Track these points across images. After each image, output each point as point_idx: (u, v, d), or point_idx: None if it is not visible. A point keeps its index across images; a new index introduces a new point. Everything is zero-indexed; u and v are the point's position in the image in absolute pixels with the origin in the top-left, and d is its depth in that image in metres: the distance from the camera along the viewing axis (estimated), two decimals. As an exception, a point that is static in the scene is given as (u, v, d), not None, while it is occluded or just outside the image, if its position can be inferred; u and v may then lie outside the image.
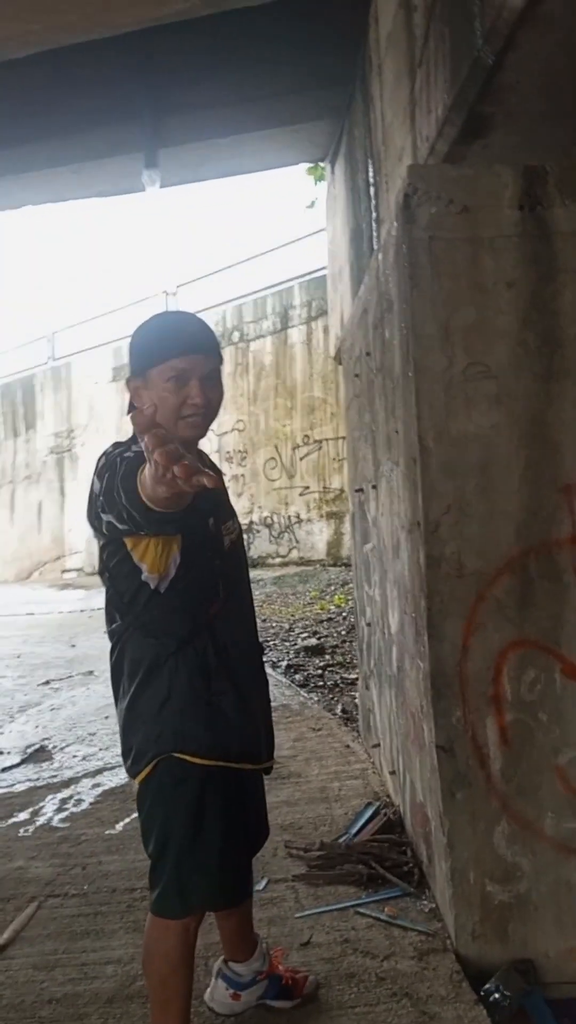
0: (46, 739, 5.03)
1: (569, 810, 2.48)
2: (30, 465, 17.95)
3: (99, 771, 4.36)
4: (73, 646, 8.26)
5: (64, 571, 16.68)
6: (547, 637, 2.50)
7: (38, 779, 4.32)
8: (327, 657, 6.67)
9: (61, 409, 17.14)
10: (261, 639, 2.18)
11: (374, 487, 3.46)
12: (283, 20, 3.78)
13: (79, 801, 3.96)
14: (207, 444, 2.01)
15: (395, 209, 2.63)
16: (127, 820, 3.61)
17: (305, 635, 7.42)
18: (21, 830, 3.65)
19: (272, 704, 2.15)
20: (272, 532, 12.59)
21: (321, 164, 5.46)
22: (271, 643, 7.21)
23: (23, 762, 4.61)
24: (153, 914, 1.95)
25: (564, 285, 2.52)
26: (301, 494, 12.22)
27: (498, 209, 2.49)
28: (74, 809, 3.87)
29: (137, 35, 3.55)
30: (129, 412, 1.97)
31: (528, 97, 2.46)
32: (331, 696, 5.63)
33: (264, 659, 2.16)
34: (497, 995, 2.31)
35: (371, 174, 3.86)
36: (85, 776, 4.31)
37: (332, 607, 8.70)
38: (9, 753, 4.78)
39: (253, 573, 2.17)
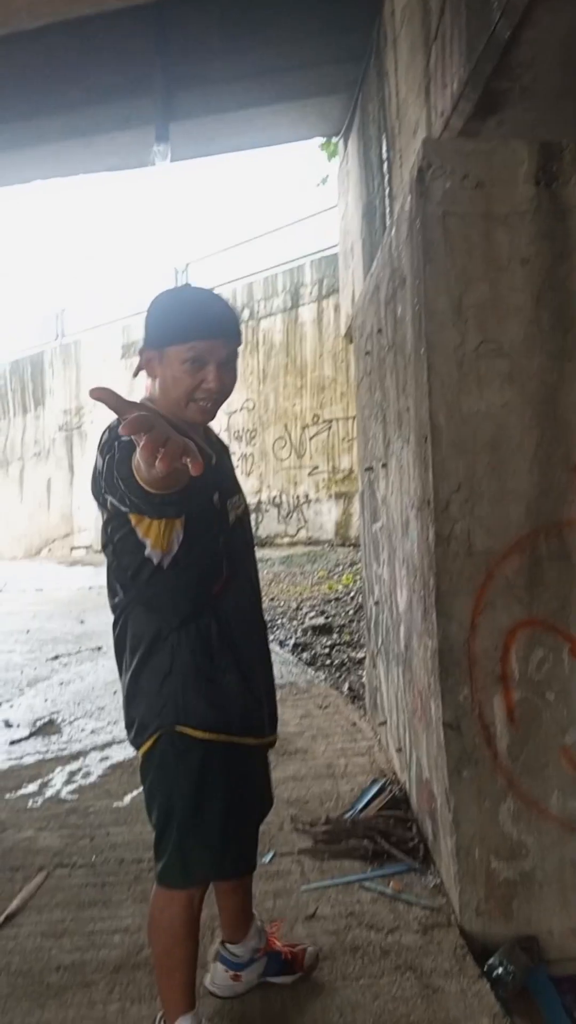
0: (55, 713, 5.07)
1: (575, 789, 2.49)
2: (39, 442, 17.96)
3: (107, 744, 4.40)
4: (82, 622, 8.30)
5: (73, 548, 16.73)
6: (556, 617, 2.50)
7: (47, 752, 4.36)
8: (334, 636, 6.69)
9: (70, 386, 17.12)
10: (268, 618, 2.18)
11: (384, 466, 3.45)
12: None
13: (87, 774, 4.00)
14: (215, 423, 1.99)
15: (409, 184, 2.60)
16: (135, 793, 3.64)
17: (313, 614, 7.43)
18: (30, 801, 3.69)
19: (279, 681, 2.16)
20: (281, 512, 12.59)
21: (334, 139, 5.40)
22: (278, 622, 7.23)
23: (32, 735, 4.65)
24: (158, 884, 1.97)
25: (579, 263, 2.49)
26: (310, 474, 12.20)
27: (513, 185, 2.47)
28: (82, 781, 3.90)
29: (151, 7, 3.51)
30: (135, 375, 1.97)
31: (544, 73, 2.43)
32: (338, 674, 5.64)
33: (270, 637, 2.16)
34: (501, 970, 2.33)
35: (385, 149, 3.82)
36: (93, 749, 4.34)
37: (340, 587, 8.71)
38: (18, 726, 4.82)
39: (261, 553, 2.15)
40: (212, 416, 1.87)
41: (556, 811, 2.49)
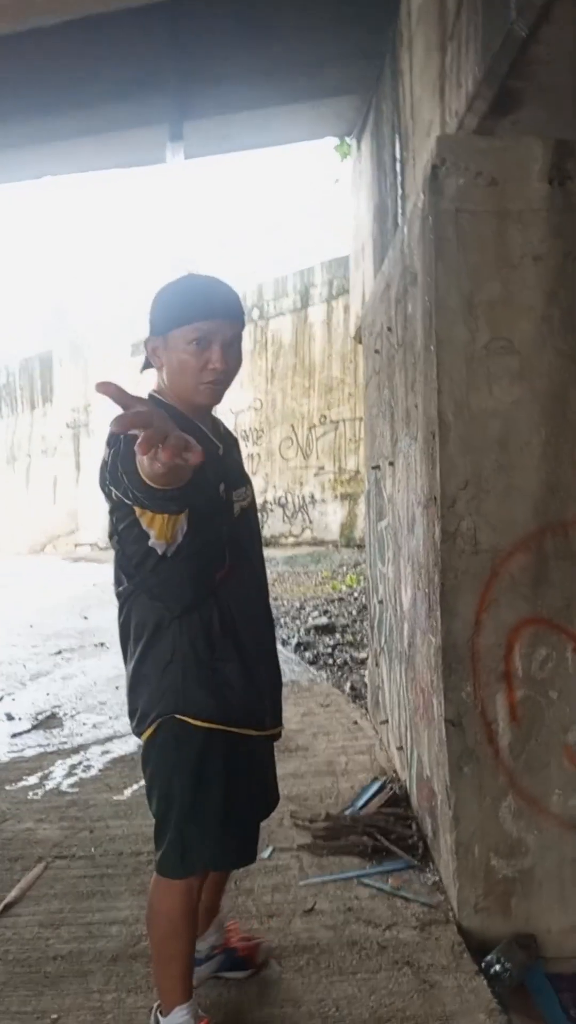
0: (57, 707, 5.08)
1: (576, 788, 2.49)
2: (46, 439, 18.02)
3: (109, 739, 4.41)
4: (85, 618, 8.32)
5: (77, 545, 16.77)
6: (560, 616, 2.50)
7: (48, 745, 4.37)
8: (337, 636, 6.69)
9: (78, 384, 17.17)
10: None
11: (391, 463, 3.45)
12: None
13: (88, 767, 4.00)
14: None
15: (422, 181, 2.61)
16: (135, 787, 3.64)
17: (316, 614, 7.43)
18: (30, 793, 3.70)
19: (281, 679, 2.15)
20: (286, 512, 12.60)
21: (347, 139, 5.41)
22: (282, 621, 7.24)
23: (34, 728, 4.66)
24: (157, 873, 1.97)
25: (592, 262, 2.49)
26: (316, 474, 12.21)
27: (527, 182, 2.47)
28: (83, 775, 3.91)
29: (166, 4, 3.52)
30: (142, 372, 1.98)
31: (561, 72, 2.43)
32: (340, 674, 5.65)
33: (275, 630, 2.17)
34: (498, 967, 2.33)
35: (398, 149, 3.82)
36: (95, 743, 4.35)
37: (343, 587, 8.71)
38: (20, 719, 4.83)
39: (265, 552, 2.16)
40: (220, 397, 1.88)
41: (556, 809, 2.49)
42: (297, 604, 7.98)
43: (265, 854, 2.93)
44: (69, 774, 3.92)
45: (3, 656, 6.69)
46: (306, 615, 7.47)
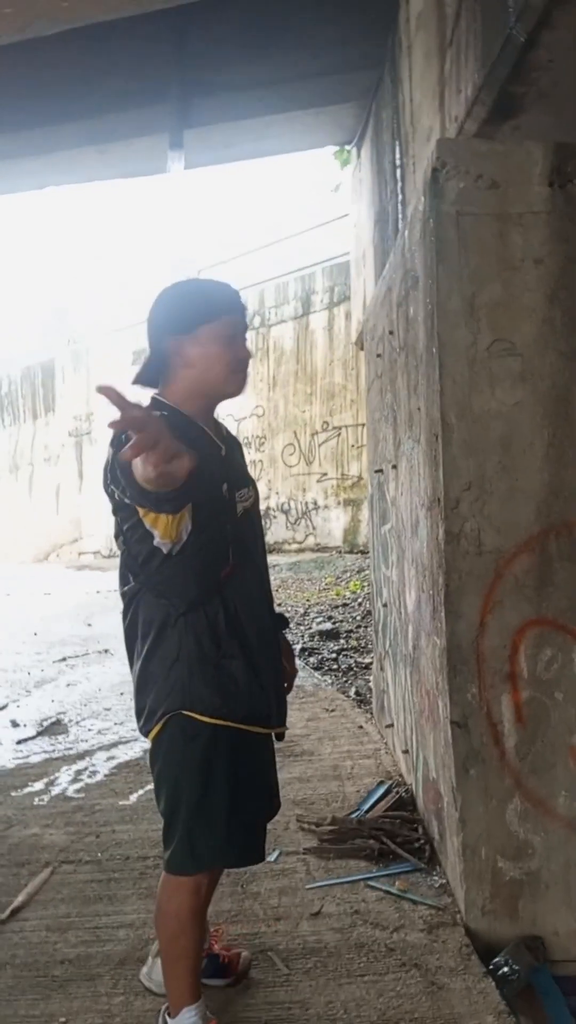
0: (62, 713, 5.08)
1: (582, 789, 2.49)
2: (49, 447, 18.02)
3: (114, 744, 4.41)
4: (89, 625, 8.32)
5: (81, 553, 16.76)
6: (565, 616, 2.50)
7: (53, 751, 4.37)
8: (341, 641, 6.69)
9: (81, 392, 17.18)
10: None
11: (394, 467, 3.46)
12: (314, 0, 3.76)
13: (93, 773, 4.01)
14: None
15: (423, 184, 2.62)
16: (141, 792, 3.65)
17: (320, 620, 7.43)
18: (36, 799, 3.70)
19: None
20: (289, 518, 12.59)
21: (347, 147, 5.44)
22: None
23: (39, 734, 4.66)
24: (166, 872, 1.98)
25: (593, 264, 2.50)
26: (319, 480, 12.20)
27: (528, 185, 2.48)
28: (88, 780, 3.91)
29: (168, 14, 3.54)
30: (134, 383, 2.02)
31: (561, 76, 2.44)
32: (345, 679, 5.65)
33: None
34: (506, 969, 2.33)
35: (398, 156, 3.84)
36: (100, 749, 4.35)
37: (347, 593, 8.70)
38: (25, 726, 4.84)
39: (269, 558, 2.18)
40: (245, 385, 1.96)
41: (563, 811, 2.49)
42: (301, 610, 7.98)
43: (272, 857, 2.93)
44: (75, 780, 3.92)
45: (8, 663, 6.69)
46: (310, 621, 7.47)
